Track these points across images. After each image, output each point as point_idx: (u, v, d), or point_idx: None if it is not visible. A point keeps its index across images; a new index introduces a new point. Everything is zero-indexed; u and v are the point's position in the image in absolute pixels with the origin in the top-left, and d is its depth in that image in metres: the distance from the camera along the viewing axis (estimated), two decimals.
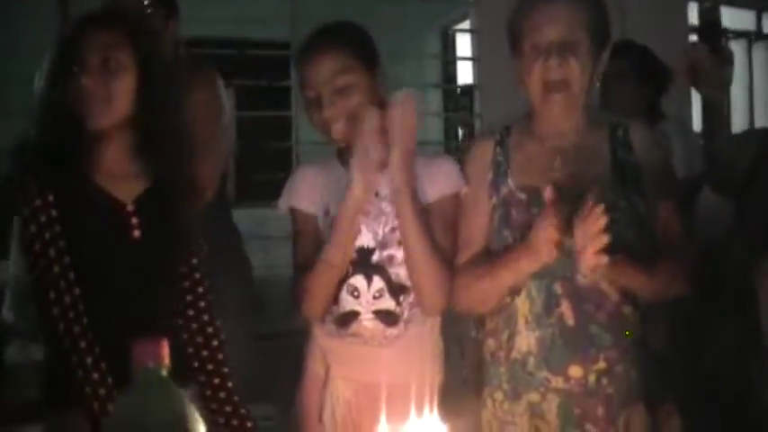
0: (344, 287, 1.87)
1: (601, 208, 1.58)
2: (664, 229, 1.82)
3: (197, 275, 1.87)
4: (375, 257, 1.86)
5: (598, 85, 1.88)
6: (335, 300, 1.88)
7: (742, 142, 2.20)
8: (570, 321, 1.76)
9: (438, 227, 1.86)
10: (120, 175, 1.78)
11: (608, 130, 1.87)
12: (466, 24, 4.65)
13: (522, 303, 1.80)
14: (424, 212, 1.83)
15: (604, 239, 1.59)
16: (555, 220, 1.63)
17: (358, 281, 1.87)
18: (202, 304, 1.86)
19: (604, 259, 1.61)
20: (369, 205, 1.86)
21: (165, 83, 1.80)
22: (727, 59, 2.05)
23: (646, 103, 3.20)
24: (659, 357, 1.83)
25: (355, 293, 1.87)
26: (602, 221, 1.58)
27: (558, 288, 1.77)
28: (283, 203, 1.97)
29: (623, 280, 1.75)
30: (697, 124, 4.74)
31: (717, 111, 2.10)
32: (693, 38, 4.75)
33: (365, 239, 1.86)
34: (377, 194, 1.87)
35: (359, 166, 1.79)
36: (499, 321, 1.84)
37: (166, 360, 1.03)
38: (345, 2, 3.09)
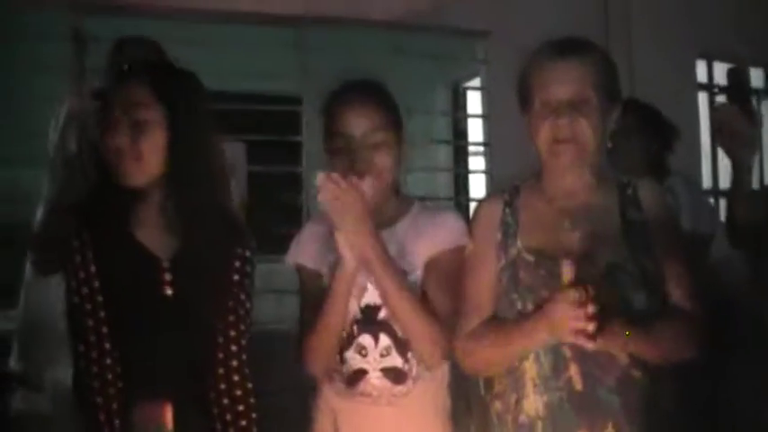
0: (352, 346, 1.86)
1: (586, 293, 1.57)
2: (673, 289, 1.79)
3: (231, 333, 1.81)
4: (381, 314, 1.85)
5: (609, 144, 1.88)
6: (343, 359, 1.86)
7: (758, 199, 2.20)
8: (578, 386, 1.73)
9: (436, 280, 1.84)
10: (158, 231, 1.76)
11: (617, 188, 1.86)
12: (477, 81, 4.69)
13: (530, 366, 1.77)
14: (403, 272, 1.81)
15: (591, 327, 1.57)
16: (576, 297, 1.58)
17: (365, 339, 1.85)
18: (234, 363, 1.80)
19: (593, 344, 1.60)
20: None
21: (197, 137, 1.77)
22: (756, 121, 2.04)
23: (653, 159, 3.21)
24: (671, 417, 1.80)
25: (363, 352, 1.86)
26: (591, 309, 1.57)
27: (566, 351, 1.73)
28: (290, 259, 1.97)
29: (630, 348, 1.72)
30: (707, 180, 4.77)
31: (743, 172, 2.09)
32: (702, 95, 4.81)
33: (371, 297, 1.85)
34: None
35: (345, 239, 1.74)
36: (507, 384, 1.80)
37: (169, 425, 1.02)
38: (356, 57, 3.12)
